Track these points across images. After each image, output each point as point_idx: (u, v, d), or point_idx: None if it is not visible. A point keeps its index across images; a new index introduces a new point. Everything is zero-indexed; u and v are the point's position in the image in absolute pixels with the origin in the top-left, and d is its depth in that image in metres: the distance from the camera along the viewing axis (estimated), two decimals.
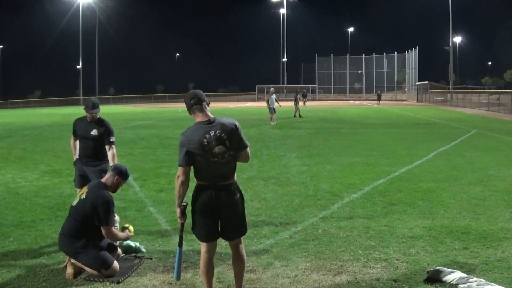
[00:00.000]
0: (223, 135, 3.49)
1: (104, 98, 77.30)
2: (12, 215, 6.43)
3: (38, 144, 15.34)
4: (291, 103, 30.67)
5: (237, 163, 3.68)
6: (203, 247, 3.67)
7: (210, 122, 3.55)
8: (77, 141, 5.64)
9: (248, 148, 3.66)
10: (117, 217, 5.08)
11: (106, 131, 5.44)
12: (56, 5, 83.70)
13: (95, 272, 4.32)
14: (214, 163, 3.49)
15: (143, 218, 6.23)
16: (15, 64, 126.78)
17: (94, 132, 5.42)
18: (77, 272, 4.38)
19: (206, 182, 3.55)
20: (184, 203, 3.62)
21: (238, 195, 3.64)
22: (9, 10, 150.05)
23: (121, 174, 4.65)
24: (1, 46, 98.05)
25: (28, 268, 4.53)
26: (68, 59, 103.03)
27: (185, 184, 3.53)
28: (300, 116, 27.68)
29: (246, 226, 3.79)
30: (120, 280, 4.25)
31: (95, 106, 5.42)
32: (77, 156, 5.64)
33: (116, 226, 4.87)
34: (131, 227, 4.95)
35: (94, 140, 5.42)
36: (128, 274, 4.39)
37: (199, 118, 3.60)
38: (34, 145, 15.08)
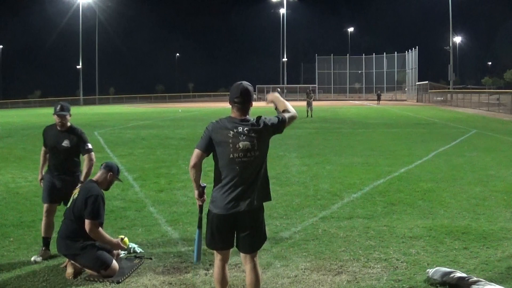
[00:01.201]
0: (252, 133, 3.31)
1: (104, 98, 77.37)
2: (12, 215, 6.43)
3: (38, 144, 15.20)
4: (292, 103, 30.41)
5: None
6: (217, 255, 3.51)
7: (244, 120, 3.36)
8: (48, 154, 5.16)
9: (285, 118, 3.44)
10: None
11: (79, 141, 4.97)
12: (56, 5, 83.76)
13: (94, 273, 4.32)
14: (233, 160, 3.28)
15: (143, 218, 6.22)
16: (15, 64, 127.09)
17: (66, 143, 4.91)
18: (77, 272, 4.38)
19: (226, 184, 3.32)
20: (203, 185, 3.50)
21: (260, 204, 3.43)
22: (9, 10, 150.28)
23: (113, 170, 4.64)
24: (1, 46, 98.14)
25: (28, 268, 4.53)
26: (68, 59, 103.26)
27: (196, 167, 3.39)
28: (306, 116, 27.25)
29: (264, 238, 3.53)
30: (120, 280, 4.25)
31: (63, 109, 4.89)
32: (43, 172, 5.22)
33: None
34: (126, 240, 4.77)
35: (66, 152, 4.94)
36: (128, 274, 4.39)
37: (236, 115, 3.38)
38: (34, 145, 15.06)
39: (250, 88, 3.41)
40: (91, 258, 4.31)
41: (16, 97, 76.01)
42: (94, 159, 5.01)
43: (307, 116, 27.41)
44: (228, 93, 3.57)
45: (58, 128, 4.96)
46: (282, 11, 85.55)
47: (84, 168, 4.96)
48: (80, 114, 38.35)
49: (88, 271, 4.36)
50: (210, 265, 4.56)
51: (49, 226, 5.01)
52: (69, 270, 4.37)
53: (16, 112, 47.06)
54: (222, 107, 48.60)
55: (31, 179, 9.04)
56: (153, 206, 6.82)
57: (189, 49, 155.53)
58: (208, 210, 3.44)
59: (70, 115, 4.97)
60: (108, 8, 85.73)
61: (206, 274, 4.36)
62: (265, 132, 3.37)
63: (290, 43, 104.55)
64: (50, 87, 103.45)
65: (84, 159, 5.01)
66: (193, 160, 3.39)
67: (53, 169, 5.07)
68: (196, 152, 3.38)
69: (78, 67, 75.32)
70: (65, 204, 4.73)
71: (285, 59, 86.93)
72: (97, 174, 4.63)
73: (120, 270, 4.39)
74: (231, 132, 3.30)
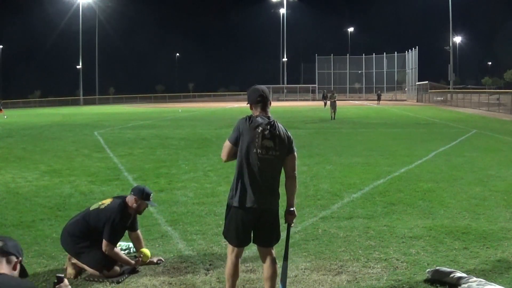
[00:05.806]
0: (277, 133, 3.52)
1: (104, 98, 77.38)
2: (12, 215, 6.42)
3: (38, 144, 15.33)
4: (292, 103, 30.42)
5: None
6: (232, 250, 3.57)
7: (269, 118, 3.59)
8: None
9: (295, 153, 3.63)
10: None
11: None
12: (56, 5, 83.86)
13: (96, 272, 4.31)
14: (256, 154, 3.45)
15: (143, 218, 6.21)
16: (15, 64, 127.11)
17: None
18: (77, 272, 4.38)
19: (248, 181, 3.46)
20: None
21: (277, 202, 3.64)
22: (9, 10, 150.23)
23: (138, 194, 4.51)
24: (1, 46, 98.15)
25: (28, 268, 4.51)
26: (68, 59, 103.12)
27: (229, 160, 3.61)
28: (331, 118, 25.87)
29: (280, 234, 3.71)
30: (120, 280, 4.25)
31: None
32: None
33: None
34: (146, 252, 4.66)
35: None
36: (128, 274, 4.38)
37: (261, 112, 3.62)
38: (34, 145, 15.07)
39: (266, 89, 3.71)
40: (95, 258, 4.31)
41: (16, 97, 75.94)
42: None
43: (332, 118, 25.93)
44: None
45: None
46: (282, 11, 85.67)
47: None
48: (80, 114, 38.34)
49: (89, 270, 4.35)
50: (210, 265, 4.56)
51: None
52: (69, 271, 4.37)
53: (16, 112, 47.06)
54: (222, 107, 48.60)
55: (31, 179, 9.03)
56: (153, 206, 6.80)
57: (189, 49, 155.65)
58: (230, 205, 3.53)
59: None
60: (108, 8, 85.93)
61: (206, 274, 4.35)
62: (285, 143, 3.55)
63: (290, 43, 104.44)
64: (50, 87, 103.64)
65: None
66: (224, 156, 3.58)
67: None
68: (227, 144, 3.55)
69: (78, 67, 75.33)
70: None
71: (285, 59, 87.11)
72: (127, 196, 4.58)
73: (120, 271, 4.39)
74: (260, 127, 3.48)
